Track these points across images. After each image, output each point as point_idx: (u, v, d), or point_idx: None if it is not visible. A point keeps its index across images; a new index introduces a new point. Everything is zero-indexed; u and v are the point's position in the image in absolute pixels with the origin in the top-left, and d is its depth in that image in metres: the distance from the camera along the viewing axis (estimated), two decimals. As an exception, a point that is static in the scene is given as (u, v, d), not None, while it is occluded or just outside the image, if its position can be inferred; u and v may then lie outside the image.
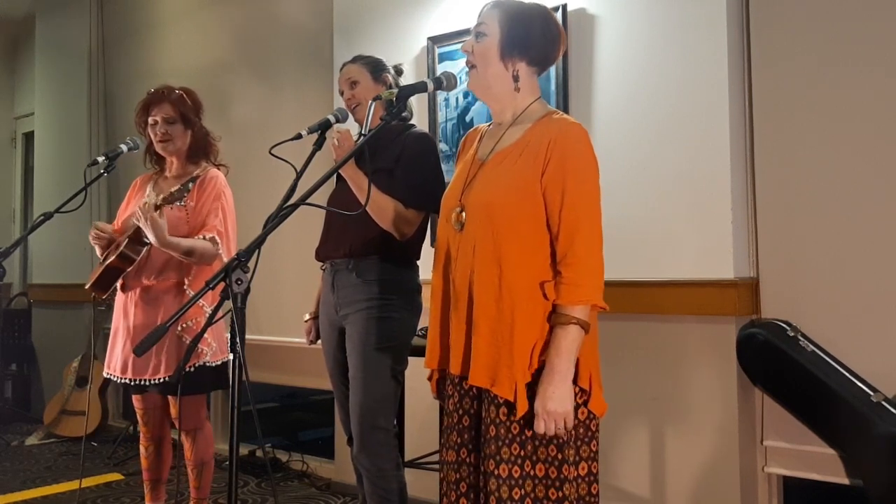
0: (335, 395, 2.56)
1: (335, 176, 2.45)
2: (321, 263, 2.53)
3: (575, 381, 1.67)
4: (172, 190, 2.53)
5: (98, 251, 2.80)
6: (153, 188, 2.84)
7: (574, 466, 1.69)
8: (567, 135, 1.72)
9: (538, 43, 1.80)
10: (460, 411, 1.81)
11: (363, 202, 2.09)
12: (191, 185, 2.62)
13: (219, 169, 2.86)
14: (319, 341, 2.59)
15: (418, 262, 2.48)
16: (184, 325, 2.68)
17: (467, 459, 1.79)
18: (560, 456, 1.67)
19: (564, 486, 1.66)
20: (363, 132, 2.48)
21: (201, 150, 2.85)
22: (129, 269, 2.67)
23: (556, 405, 1.62)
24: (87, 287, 2.72)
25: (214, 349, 2.75)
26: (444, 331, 1.84)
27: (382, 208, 2.28)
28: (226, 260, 2.70)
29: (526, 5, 1.82)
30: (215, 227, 2.71)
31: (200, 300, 2.14)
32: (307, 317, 2.65)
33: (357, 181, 2.29)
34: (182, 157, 2.84)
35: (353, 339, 2.36)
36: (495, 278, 1.70)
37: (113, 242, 2.78)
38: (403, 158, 2.37)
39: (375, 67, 2.51)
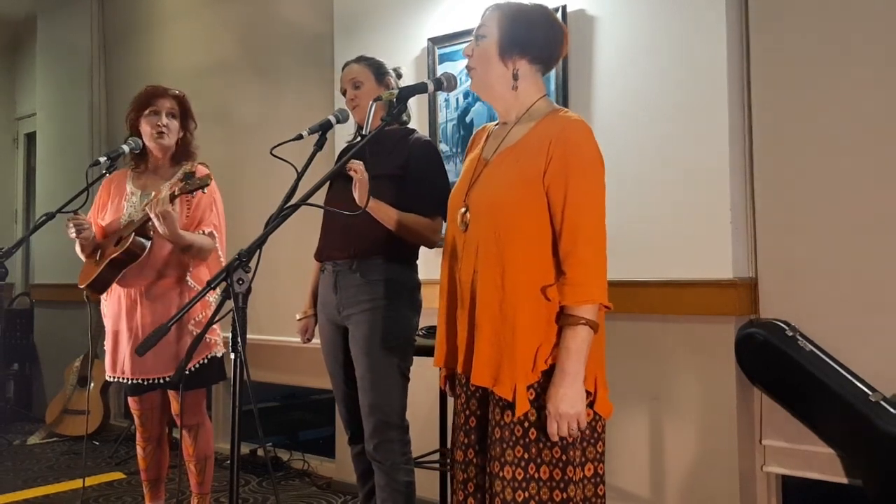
0: (336, 395, 2.57)
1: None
2: (321, 264, 2.54)
3: None
4: (188, 180, 2.49)
5: (78, 248, 2.74)
6: (134, 184, 2.83)
7: (580, 468, 1.69)
8: (569, 132, 1.71)
9: (540, 40, 1.79)
10: (467, 412, 1.82)
11: (393, 230, 2.27)
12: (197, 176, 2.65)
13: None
14: (316, 340, 2.60)
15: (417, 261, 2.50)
16: (195, 319, 2.72)
17: (474, 460, 1.80)
18: (564, 457, 1.67)
19: (569, 487, 1.66)
20: (365, 133, 2.49)
21: (186, 153, 2.87)
22: (132, 265, 2.65)
23: (568, 406, 1.62)
24: (82, 286, 2.70)
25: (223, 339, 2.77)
26: (450, 329, 1.84)
27: (413, 232, 2.35)
28: (220, 254, 2.77)
29: (527, 5, 1.82)
30: (211, 221, 2.75)
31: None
32: (299, 316, 2.66)
33: (383, 215, 2.32)
34: (167, 156, 2.85)
35: (358, 340, 2.38)
36: (498, 278, 1.69)
37: (97, 246, 2.76)
38: (419, 168, 2.40)
39: (379, 70, 2.54)
